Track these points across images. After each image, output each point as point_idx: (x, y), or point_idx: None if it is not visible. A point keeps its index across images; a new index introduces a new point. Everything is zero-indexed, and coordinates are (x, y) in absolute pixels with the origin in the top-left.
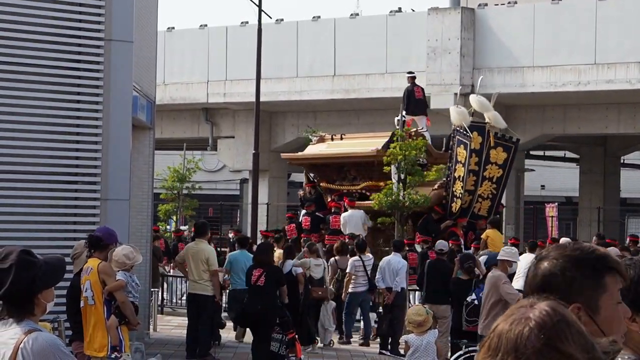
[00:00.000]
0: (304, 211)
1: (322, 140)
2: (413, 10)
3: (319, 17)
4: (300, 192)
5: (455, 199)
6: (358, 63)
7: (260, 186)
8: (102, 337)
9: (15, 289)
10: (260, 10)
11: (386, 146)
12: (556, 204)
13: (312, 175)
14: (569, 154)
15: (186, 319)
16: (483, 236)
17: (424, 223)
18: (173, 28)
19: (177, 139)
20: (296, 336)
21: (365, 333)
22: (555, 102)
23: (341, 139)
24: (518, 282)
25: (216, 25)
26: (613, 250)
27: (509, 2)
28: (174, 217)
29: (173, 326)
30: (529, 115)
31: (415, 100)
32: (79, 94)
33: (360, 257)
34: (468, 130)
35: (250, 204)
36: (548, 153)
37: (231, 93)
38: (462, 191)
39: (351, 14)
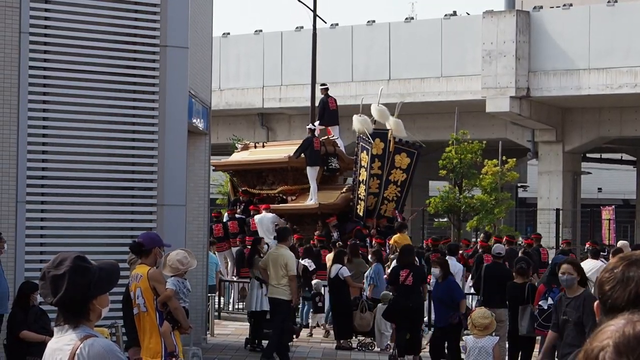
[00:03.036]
0: (226, 214)
1: (246, 148)
2: (468, 14)
3: (373, 21)
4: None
5: (359, 201)
6: (413, 67)
7: None
8: (155, 344)
9: (70, 295)
10: (315, 15)
11: (297, 153)
12: (613, 206)
13: (235, 180)
14: (626, 157)
15: (243, 324)
16: (391, 241)
17: (327, 229)
18: (228, 34)
19: (233, 145)
20: None
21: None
22: (612, 105)
23: (263, 146)
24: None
25: (271, 31)
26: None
27: (564, 5)
28: None
29: (230, 331)
30: (585, 117)
31: (329, 111)
32: (134, 99)
33: None
34: (370, 137)
35: None
36: (605, 155)
37: (286, 98)
38: (365, 194)
39: (406, 18)
